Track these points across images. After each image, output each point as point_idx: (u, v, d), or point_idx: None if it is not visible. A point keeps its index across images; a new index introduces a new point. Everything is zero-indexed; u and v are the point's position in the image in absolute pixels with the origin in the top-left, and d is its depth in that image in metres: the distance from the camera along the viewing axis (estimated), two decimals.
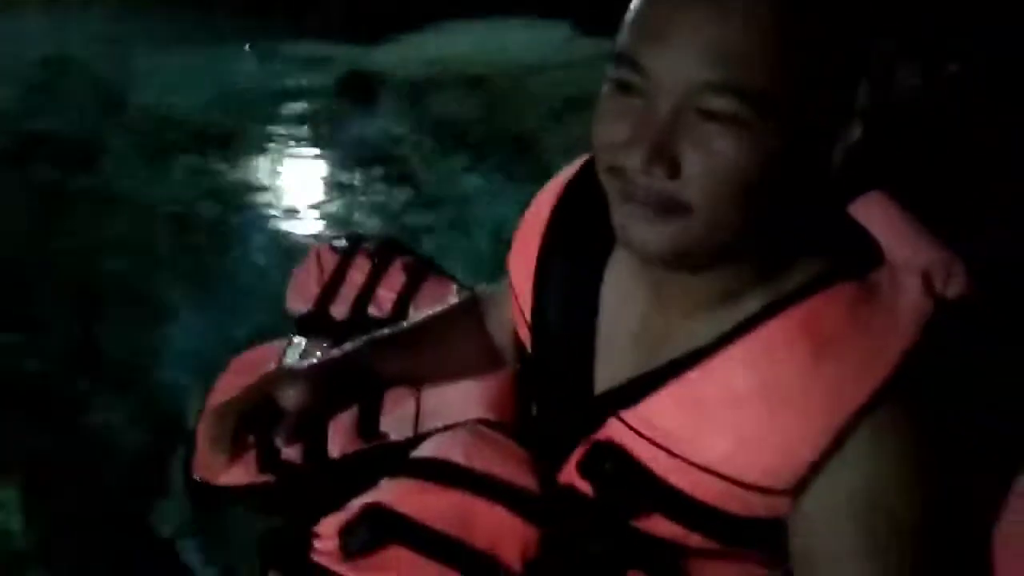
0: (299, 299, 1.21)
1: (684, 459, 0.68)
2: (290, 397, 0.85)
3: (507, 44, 6.48)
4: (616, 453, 0.71)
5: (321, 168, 4.09)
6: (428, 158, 4.23)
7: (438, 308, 1.04)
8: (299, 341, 1.11)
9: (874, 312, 0.66)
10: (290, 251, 2.79)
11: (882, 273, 0.69)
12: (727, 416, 0.67)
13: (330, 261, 1.23)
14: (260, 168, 4.00)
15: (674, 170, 0.61)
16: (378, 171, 4.02)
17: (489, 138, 4.50)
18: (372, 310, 1.19)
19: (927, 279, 0.68)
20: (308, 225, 3.39)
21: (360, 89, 5.40)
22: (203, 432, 0.89)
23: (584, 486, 0.75)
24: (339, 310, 1.19)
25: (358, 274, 1.21)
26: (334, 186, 3.86)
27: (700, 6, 0.59)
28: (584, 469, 0.74)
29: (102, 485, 1.89)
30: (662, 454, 0.69)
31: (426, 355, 0.98)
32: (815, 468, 0.64)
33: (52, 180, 3.63)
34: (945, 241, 0.74)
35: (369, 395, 0.93)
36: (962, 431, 0.69)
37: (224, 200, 3.56)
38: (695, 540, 0.71)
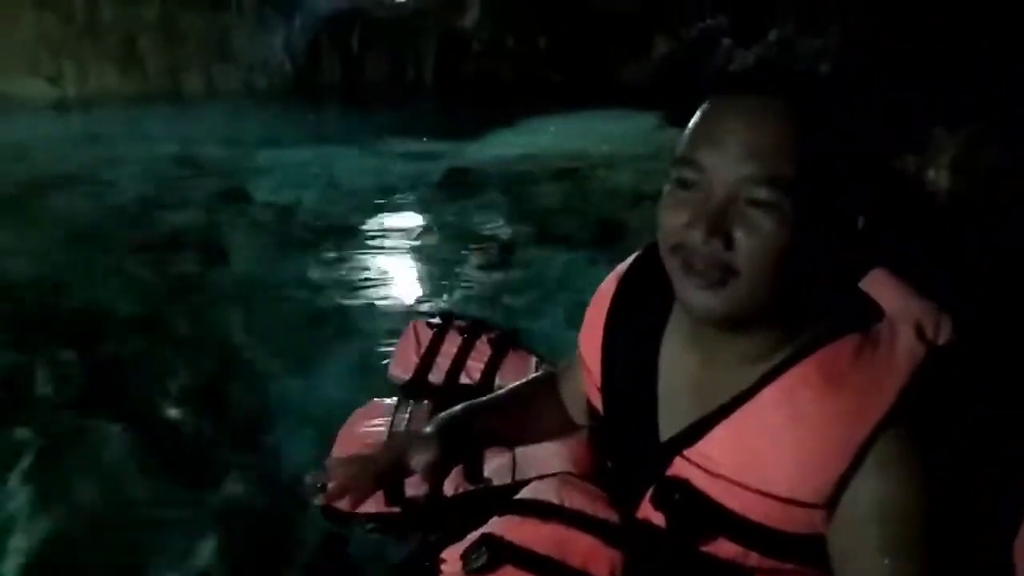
0: (400, 367, 1.42)
1: (737, 483, 0.84)
2: (420, 461, 1.03)
3: (596, 136, 6.80)
4: (682, 486, 0.88)
5: (425, 255, 4.32)
6: (522, 245, 4.44)
7: (521, 381, 1.22)
8: (407, 401, 1.31)
9: (875, 355, 0.82)
10: (397, 329, 2.94)
11: (882, 326, 0.85)
12: (765, 445, 0.83)
13: (426, 335, 1.43)
14: (370, 256, 4.24)
15: (728, 243, 0.79)
16: (477, 258, 4.23)
17: (578, 225, 4.72)
18: (463, 378, 1.38)
19: (919, 329, 0.84)
20: (414, 305, 3.58)
21: (459, 182, 5.73)
22: (340, 472, 1.06)
23: (658, 517, 0.90)
24: (435, 377, 1.39)
25: (450, 347, 1.41)
26: (436, 272, 4.06)
27: (742, 120, 0.79)
28: (657, 502, 0.89)
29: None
30: (719, 482, 0.85)
31: (513, 420, 1.14)
32: (840, 483, 0.79)
33: (185, 272, 3.92)
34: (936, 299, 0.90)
35: (473, 452, 1.11)
36: (955, 448, 0.83)
37: (340, 285, 3.79)
38: (753, 559, 0.85)
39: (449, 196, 5.45)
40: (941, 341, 0.85)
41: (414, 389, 1.35)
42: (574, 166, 6.02)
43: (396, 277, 3.97)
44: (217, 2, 8.83)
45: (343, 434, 1.27)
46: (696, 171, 0.82)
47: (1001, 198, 4.85)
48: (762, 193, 0.78)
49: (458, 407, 1.13)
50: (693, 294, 0.83)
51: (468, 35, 8.94)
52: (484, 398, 1.17)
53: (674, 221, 0.83)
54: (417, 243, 4.52)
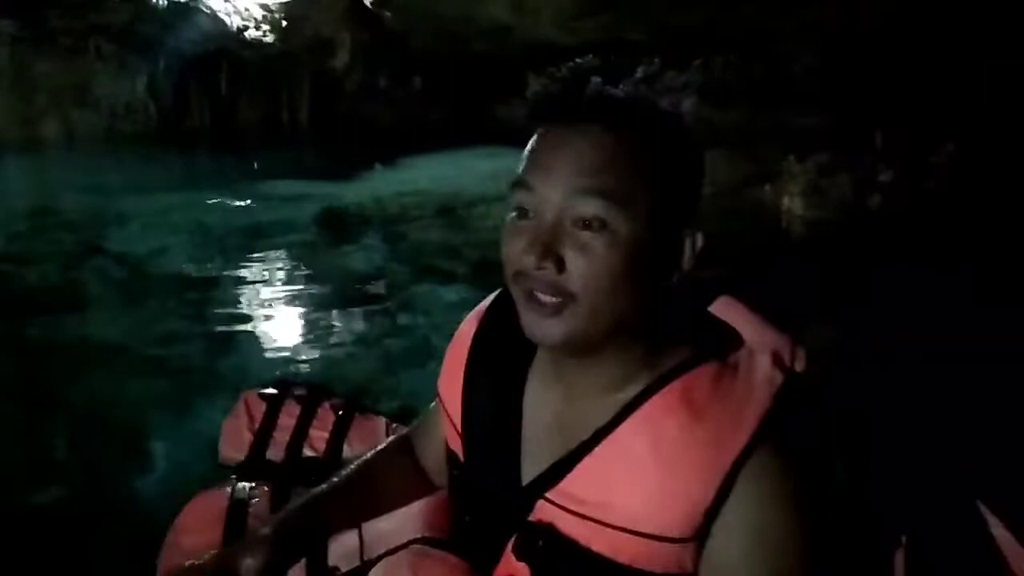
0: (231, 447, 1.28)
1: (603, 523, 0.80)
2: (249, 567, 0.95)
3: (473, 174, 6.82)
4: (546, 531, 0.84)
5: (299, 301, 4.18)
6: (400, 286, 4.38)
7: (371, 452, 1.13)
8: (242, 486, 1.18)
9: (734, 383, 0.82)
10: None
11: (740, 354, 0.85)
12: (630, 478, 0.80)
13: (259, 408, 1.31)
14: (239, 306, 4.08)
15: (560, 265, 0.78)
16: (354, 301, 4.14)
17: (456, 264, 4.72)
18: (307, 451, 1.27)
19: (776, 356, 0.85)
20: (284, 358, 3.44)
21: (336, 224, 5.70)
22: None
23: (522, 569, 0.85)
24: (275, 453, 1.26)
25: (288, 419, 1.29)
26: (311, 319, 3.94)
27: (571, 141, 0.80)
28: (519, 552, 0.85)
29: None
30: (584, 523, 0.81)
31: (366, 500, 1.06)
32: (709, 515, 0.78)
33: (36, 329, 3.69)
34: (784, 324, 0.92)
35: (317, 543, 1.01)
36: (819, 471, 0.83)
37: (204, 340, 3.61)
38: None
39: (326, 239, 5.37)
40: (797, 368, 0.86)
41: (251, 470, 1.23)
42: (451, 204, 6.04)
43: (265, 328, 3.81)
44: (75, 46, 8.44)
45: (173, 536, 1.13)
46: (528, 192, 0.81)
47: (851, 223, 5.16)
48: (587, 207, 0.78)
49: (300, 498, 1.06)
50: (534, 321, 0.82)
51: (340, 76, 8.88)
52: (329, 481, 1.08)
53: (513, 248, 0.82)
54: (291, 289, 4.38)
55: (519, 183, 0.82)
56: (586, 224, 0.78)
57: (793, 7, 6.47)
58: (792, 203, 5.34)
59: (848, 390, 0.93)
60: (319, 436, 1.28)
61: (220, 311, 3.99)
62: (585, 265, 0.78)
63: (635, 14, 7.30)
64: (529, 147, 0.84)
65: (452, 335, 1.04)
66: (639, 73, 8.18)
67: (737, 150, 5.16)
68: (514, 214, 0.83)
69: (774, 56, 6.98)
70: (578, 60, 8.21)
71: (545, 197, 0.80)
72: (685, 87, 7.39)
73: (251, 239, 5.26)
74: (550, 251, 0.79)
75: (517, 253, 0.81)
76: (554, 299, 0.80)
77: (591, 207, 0.78)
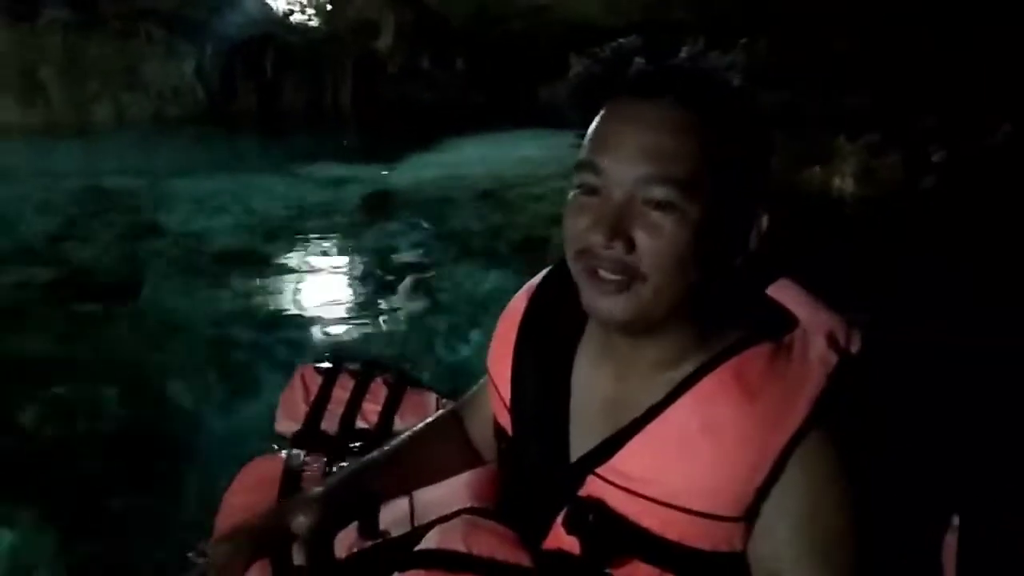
0: (288, 418, 1.30)
1: (653, 499, 0.80)
2: (301, 524, 0.96)
3: (515, 156, 6.82)
4: (596, 507, 0.83)
5: (345, 282, 4.26)
6: (444, 267, 4.42)
7: (420, 423, 1.14)
8: (297, 453, 1.20)
9: (789, 364, 0.81)
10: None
11: (795, 334, 0.84)
12: (682, 457, 0.80)
13: (314, 382, 1.32)
14: (288, 285, 4.14)
15: (630, 245, 0.78)
16: (398, 282, 4.18)
17: (500, 246, 4.76)
18: (360, 423, 1.28)
19: (831, 337, 0.84)
20: (334, 337, 3.50)
21: (379, 207, 5.70)
22: (218, 553, 0.99)
23: (571, 543, 0.85)
24: (329, 425, 1.28)
25: (342, 392, 1.31)
26: (357, 298, 4.00)
27: (638, 122, 0.79)
28: (569, 525, 0.84)
29: None
30: (635, 499, 0.82)
31: (414, 469, 1.07)
32: (760, 494, 0.78)
33: (90, 309, 3.77)
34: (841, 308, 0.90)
35: (368, 508, 1.02)
36: (873, 453, 0.83)
37: (254, 318, 3.69)
38: None
39: (369, 220, 5.40)
40: (852, 351, 0.85)
41: (306, 439, 1.25)
42: (494, 187, 6.04)
43: (314, 307, 3.88)
44: (125, 30, 8.59)
45: (229, 497, 1.16)
46: (595, 174, 0.80)
47: (902, 204, 5.06)
48: (658, 192, 0.77)
49: (352, 463, 1.08)
50: (598, 299, 0.81)
51: (383, 59, 8.90)
52: (380, 449, 1.10)
53: (577, 226, 0.81)
54: (337, 270, 4.44)
55: (584, 164, 0.81)
56: (654, 204, 0.77)
57: None
58: (843, 184, 5.25)
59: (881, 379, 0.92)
60: (372, 409, 1.29)
61: (269, 289, 4.07)
62: (655, 245, 0.77)
63: None
64: (595, 124, 0.83)
65: (495, 314, 1.04)
66: (683, 53, 8.12)
67: (785, 130, 5.08)
68: (578, 190, 0.82)
69: (821, 35, 6.84)
70: (620, 40, 8.12)
71: (614, 178, 0.79)
72: (730, 67, 7.28)
73: (297, 220, 5.32)
74: (620, 230, 0.78)
75: (582, 231, 0.81)
76: (620, 277, 0.79)
77: (662, 192, 0.77)
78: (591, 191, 0.81)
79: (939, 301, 3.32)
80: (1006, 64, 5.73)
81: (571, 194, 0.83)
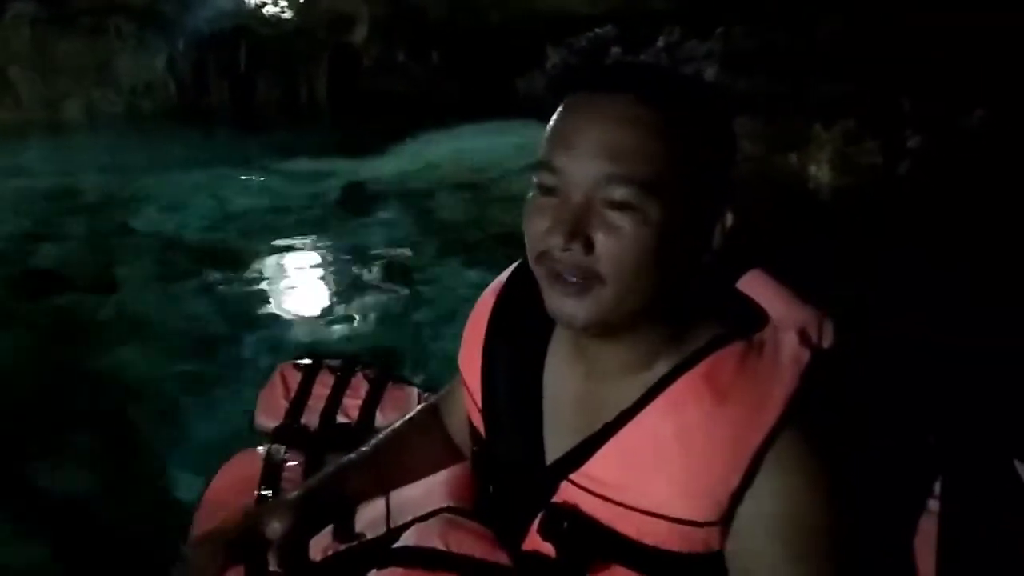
0: (266, 414, 1.29)
1: (628, 506, 0.80)
2: (275, 530, 0.95)
3: (494, 148, 6.77)
4: (571, 513, 0.83)
5: (324, 277, 4.23)
6: (422, 260, 4.40)
7: (400, 420, 1.13)
8: (277, 448, 1.20)
9: (761, 363, 0.80)
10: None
11: (766, 332, 0.83)
12: (656, 463, 0.79)
13: (294, 378, 1.32)
14: (265, 281, 4.11)
15: (589, 247, 0.76)
16: (379, 276, 4.16)
17: (477, 237, 4.73)
18: (340, 418, 1.27)
19: (803, 333, 0.82)
20: (313, 333, 3.48)
21: (358, 200, 5.66)
22: (193, 558, 0.97)
23: (546, 548, 0.84)
24: (309, 420, 1.27)
25: (322, 388, 1.30)
26: (337, 294, 3.97)
27: (597, 119, 0.76)
28: (545, 532, 0.83)
29: None
30: (609, 506, 0.81)
31: (393, 468, 1.06)
32: (735, 498, 0.77)
33: (62, 307, 3.73)
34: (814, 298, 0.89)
35: (344, 511, 1.01)
36: (847, 451, 0.81)
37: (231, 315, 3.65)
38: None
39: (347, 214, 5.36)
40: (825, 345, 0.83)
41: (286, 435, 1.24)
42: (472, 179, 6.01)
43: (292, 303, 3.85)
44: (94, 25, 8.45)
45: (209, 494, 1.15)
46: (552, 174, 0.78)
47: (879, 191, 5.09)
48: (617, 193, 0.75)
49: (330, 464, 1.06)
50: (559, 302, 0.79)
51: (358, 51, 8.82)
52: (358, 449, 1.08)
53: (536, 228, 0.79)
54: (315, 264, 4.41)
55: (542, 164, 0.79)
56: (614, 204, 0.75)
57: None
58: (819, 171, 5.26)
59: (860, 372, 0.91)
60: (353, 404, 1.28)
61: (247, 286, 4.04)
62: (615, 247, 0.76)
63: None
64: (553, 122, 0.80)
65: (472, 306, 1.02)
66: (660, 43, 8.07)
67: (760, 118, 5.09)
68: (537, 191, 0.80)
69: (797, 22, 6.86)
70: (597, 30, 8.09)
71: (572, 178, 0.77)
72: (708, 56, 7.28)
73: (273, 215, 5.27)
74: (578, 232, 0.76)
75: (541, 233, 0.79)
76: (580, 280, 0.77)
77: (621, 192, 0.75)
78: (549, 191, 0.79)
79: (916, 292, 3.35)
80: (981, 48, 5.78)
81: (530, 194, 0.81)
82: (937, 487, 0.90)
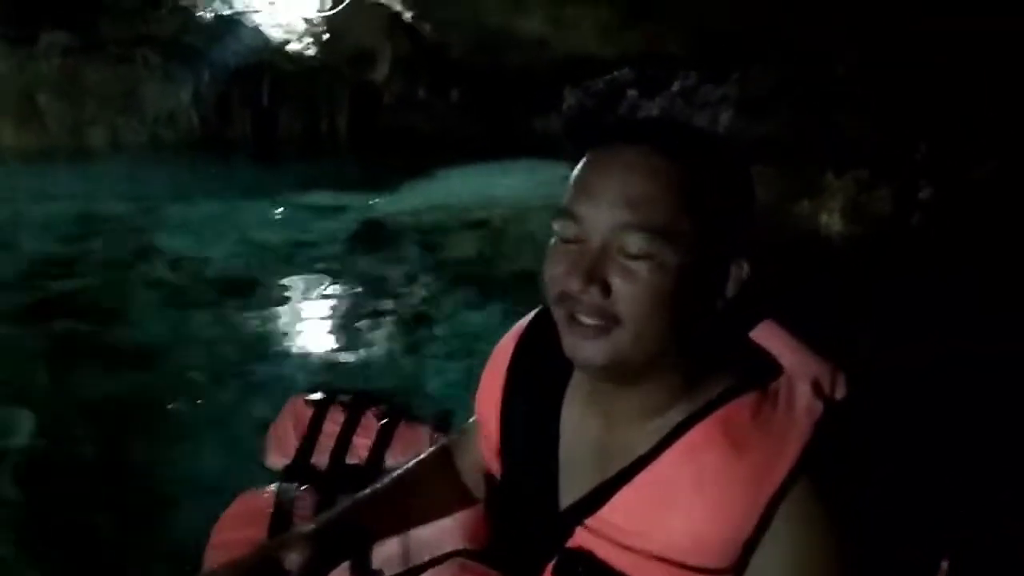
0: (278, 451, 1.31)
1: (642, 552, 0.81)
2: (294, 561, 0.95)
3: (510, 187, 6.84)
4: (585, 558, 0.84)
5: (338, 310, 4.25)
6: (437, 297, 4.43)
7: (412, 460, 1.13)
8: (287, 487, 1.21)
9: (775, 414, 0.82)
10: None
11: (780, 383, 0.84)
12: (671, 510, 0.80)
13: (305, 414, 1.33)
14: (279, 314, 4.15)
15: (606, 290, 0.78)
16: (391, 311, 4.19)
17: (492, 275, 4.78)
18: (350, 458, 1.28)
19: (816, 385, 0.84)
20: (326, 366, 3.50)
21: (374, 236, 5.71)
22: None
23: None
24: (320, 459, 1.28)
25: (333, 425, 1.31)
26: (349, 328, 3.99)
27: (617, 171, 0.80)
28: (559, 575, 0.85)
29: None
30: (624, 552, 0.82)
31: (406, 508, 1.07)
32: (748, 546, 0.78)
33: (83, 334, 3.77)
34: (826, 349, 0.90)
35: (360, 548, 1.02)
36: (860, 502, 0.83)
37: (246, 346, 3.69)
38: None
39: (363, 249, 5.41)
40: (838, 397, 0.85)
41: (297, 473, 1.25)
42: (488, 217, 6.07)
43: (306, 336, 3.87)
44: (122, 55, 8.63)
45: (219, 531, 1.17)
46: (574, 222, 0.81)
47: (891, 241, 5.09)
48: (634, 239, 0.78)
49: (344, 500, 1.08)
50: (577, 344, 0.82)
51: (380, 88, 8.96)
52: (372, 487, 1.09)
53: (555, 271, 0.82)
54: (330, 298, 4.44)
55: (564, 213, 0.83)
56: (633, 252, 0.79)
57: (833, 15, 6.42)
58: (831, 219, 5.28)
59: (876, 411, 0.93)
60: (363, 444, 1.30)
61: (262, 317, 4.07)
62: (631, 290, 0.78)
63: (676, 24, 7.29)
64: (576, 172, 0.84)
65: (488, 344, 1.04)
66: (675, 87, 8.14)
67: (774, 165, 5.13)
68: (557, 238, 0.83)
69: (813, 67, 6.91)
70: (614, 73, 8.17)
71: (592, 225, 0.80)
72: (722, 100, 7.34)
73: (291, 248, 5.33)
74: (596, 275, 0.79)
75: (560, 276, 0.82)
76: (598, 321, 0.80)
77: (638, 239, 0.78)
78: (570, 239, 0.82)
79: (927, 335, 3.34)
80: (995, 98, 5.80)
81: (551, 241, 0.85)
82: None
